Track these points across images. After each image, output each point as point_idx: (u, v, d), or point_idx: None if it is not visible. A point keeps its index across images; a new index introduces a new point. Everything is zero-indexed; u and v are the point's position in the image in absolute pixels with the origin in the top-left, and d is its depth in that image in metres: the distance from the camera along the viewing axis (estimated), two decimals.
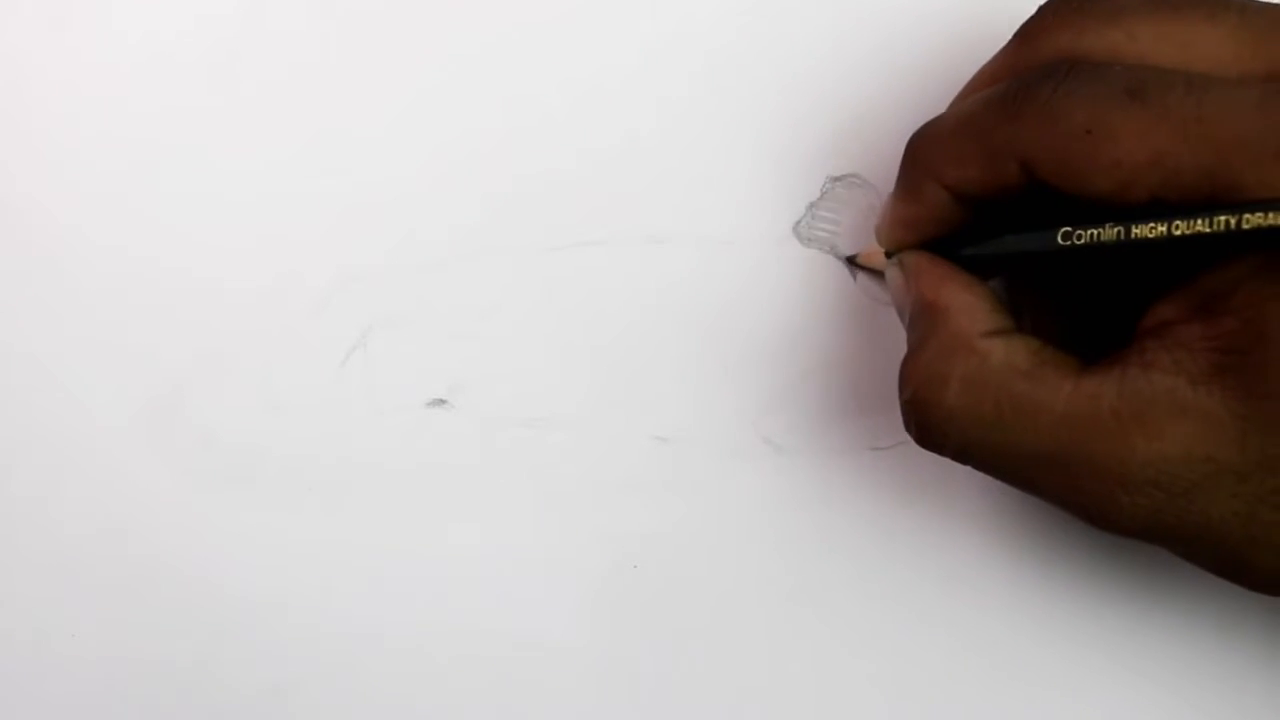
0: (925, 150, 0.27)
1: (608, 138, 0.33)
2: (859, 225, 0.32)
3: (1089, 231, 0.25)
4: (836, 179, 0.33)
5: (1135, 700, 0.32)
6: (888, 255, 0.29)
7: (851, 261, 0.32)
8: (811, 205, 0.33)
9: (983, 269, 0.28)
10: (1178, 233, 0.24)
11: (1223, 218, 0.24)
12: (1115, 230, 0.25)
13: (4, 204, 0.34)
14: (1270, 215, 0.23)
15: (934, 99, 0.32)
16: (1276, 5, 0.26)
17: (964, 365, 0.26)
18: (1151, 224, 0.24)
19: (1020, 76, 0.26)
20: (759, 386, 0.33)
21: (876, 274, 0.32)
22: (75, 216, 0.34)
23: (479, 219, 0.33)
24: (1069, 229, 0.26)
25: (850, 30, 0.32)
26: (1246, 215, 0.23)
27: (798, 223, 0.33)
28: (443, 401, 0.33)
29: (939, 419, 0.26)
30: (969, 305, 0.27)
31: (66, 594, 0.34)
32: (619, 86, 0.33)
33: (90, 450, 0.34)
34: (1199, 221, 0.24)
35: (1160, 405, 0.24)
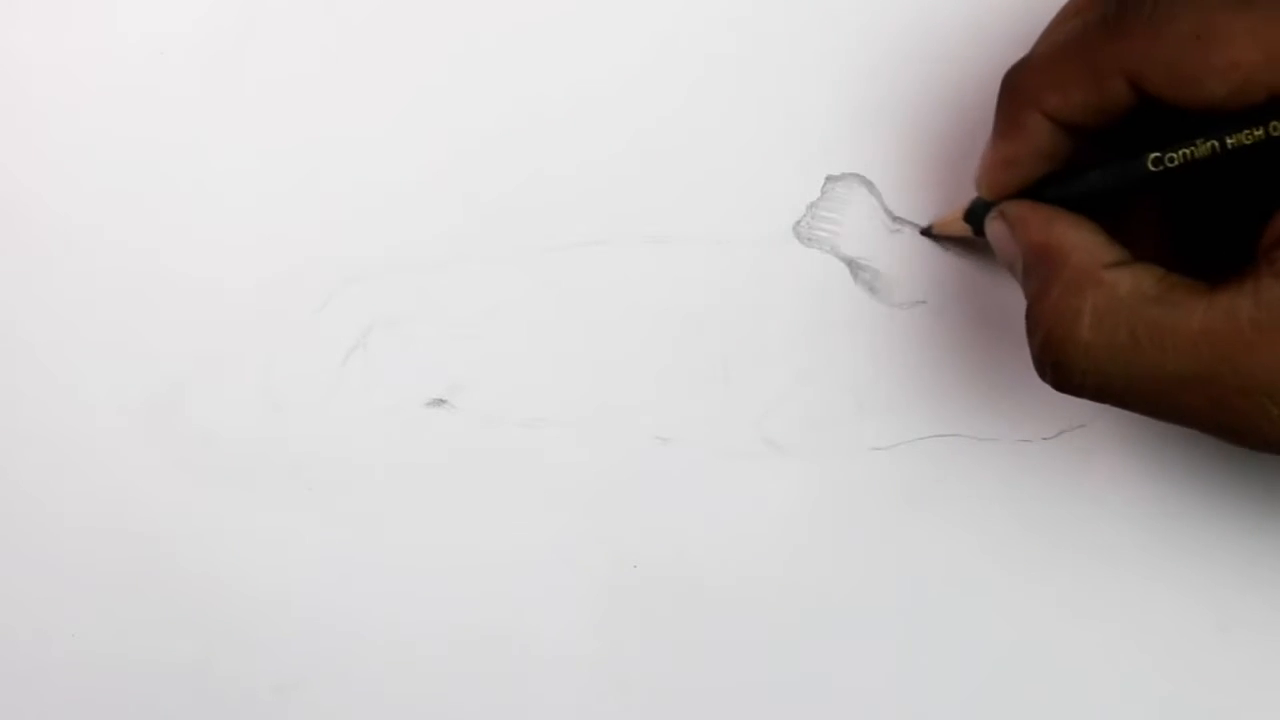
0: (1025, 80, 0.27)
1: (608, 138, 0.33)
2: (859, 225, 0.32)
3: (1180, 151, 0.25)
4: (836, 179, 0.33)
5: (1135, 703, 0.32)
6: (987, 205, 0.29)
7: (926, 233, 0.32)
8: (811, 205, 0.33)
9: (1076, 211, 0.27)
10: (1277, 133, 0.23)
11: None
12: (1209, 144, 0.24)
13: (5, 203, 0.34)
14: None
15: (934, 99, 0.32)
16: None
17: (1093, 298, 0.26)
18: (1247, 130, 0.24)
19: None
20: (759, 386, 0.33)
21: (954, 241, 0.32)
22: (75, 216, 0.34)
23: (479, 219, 0.33)
24: (1158, 154, 0.25)
25: (850, 30, 0.32)
26: None
27: (798, 223, 0.33)
28: (443, 401, 0.33)
29: (1075, 355, 0.26)
30: (1084, 241, 0.26)
31: (67, 593, 0.34)
32: (619, 87, 0.33)
33: (90, 449, 0.34)
34: None
35: None
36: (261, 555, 0.33)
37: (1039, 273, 0.27)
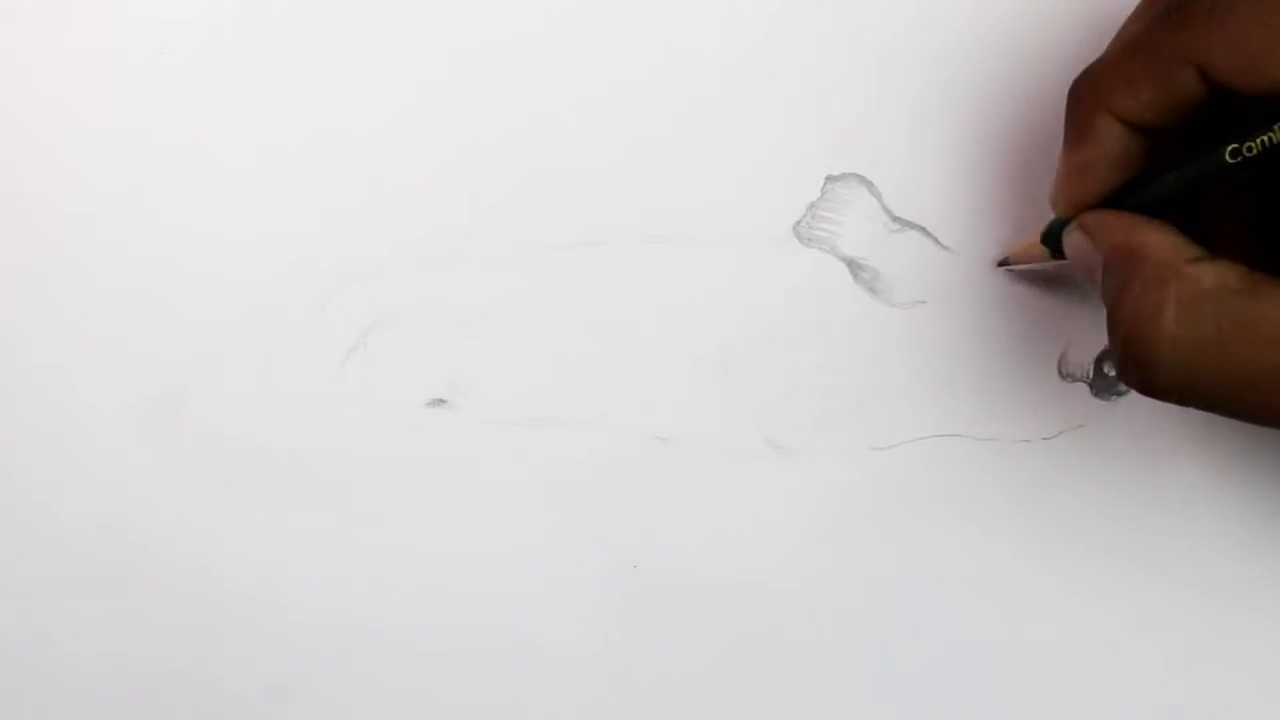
0: (1092, 84, 0.27)
1: (608, 138, 0.33)
2: (859, 225, 0.32)
3: (1258, 139, 0.25)
4: (836, 179, 0.33)
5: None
6: (1064, 224, 0.29)
7: (1005, 264, 0.32)
8: (811, 205, 0.33)
9: (1156, 216, 0.27)
10: None
11: None
12: None
13: (5, 202, 0.34)
14: None
15: (934, 99, 0.32)
16: None
17: (1177, 290, 0.25)
18: None
19: None
20: (759, 386, 0.33)
21: (1028, 271, 0.31)
22: (75, 215, 0.34)
23: (479, 219, 0.33)
24: (1235, 145, 0.25)
25: (850, 30, 0.32)
26: None
27: (798, 223, 0.33)
28: (443, 401, 0.33)
29: (1160, 350, 0.25)
30: (1165, 240, 0.26)
31: (66, 592, 0.34)
32: (620, 87, 0.33)
33: (90, 449, 0.34)
34: None
35: None
36: (260, 555, 0.33)
37: (1119, 272, 0.26)
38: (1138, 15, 0.27)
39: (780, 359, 0.33)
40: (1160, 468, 0.32)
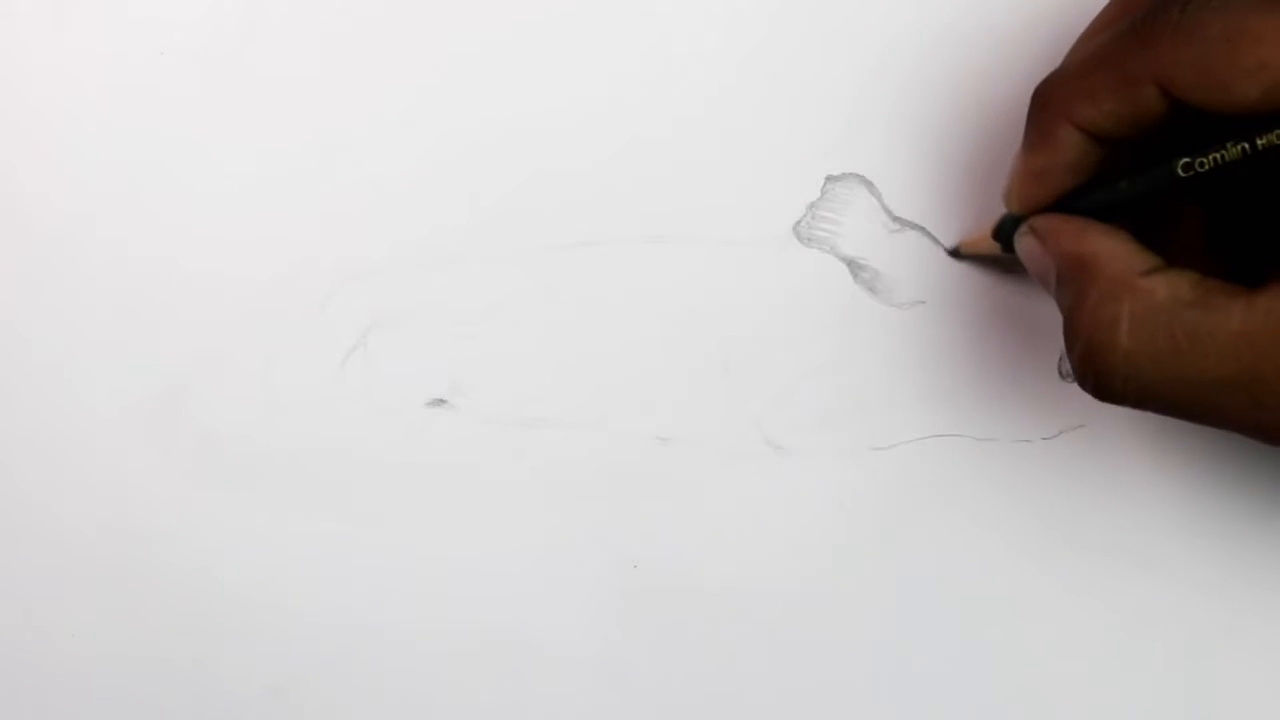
0: (1055, 92, 0.27)
1: (608, 138, 0.33)
2: (859, 225, 0.32)
3: (1211, 156, 0.25)
4: (836, 179, 0.33)
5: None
6: (1016, 221, 0.29)
7: (955, 253, 0.32)
8: (811, 205, 0.33)
9: (1106, 221, 0.27)
10: None
11: None
12: (1240, 147, 0.24)
13: (5, 202, 0.34)
14: None
15: (934, 99, 0.32)
16: None
17: (1130, 304, 0.26)
18: (1278, 131, 0.24)
19: (1147, 7, 0.25)
20: (759, 386, 0.33)
21: (982, 260, 0.32)
22: (75, 215, 0.34)
23: (479, 219, 0.33)
24: (1188, 159, 0.25)
25: (850, 30, 0.32)
26: None
27: (798, 223, 0.33)
28: (443, 401, 0.33)
29: (1116, 362, 0.26)
30: (1117, 250, 0.27)
31: (66, 592, 0.34)
32: (619, 87, 0.33)
33: (90, 449, 0.34)
34: None
35: None
36: (260, 555, 0.33)
37: (1074, 283, 0.27)
38: (1102, 25, 0.27)
39: (780, 359, 0.33)
40: (1160, 468, 0.32)
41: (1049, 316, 0.32)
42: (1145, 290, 0.26)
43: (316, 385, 0.33)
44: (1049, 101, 0.27)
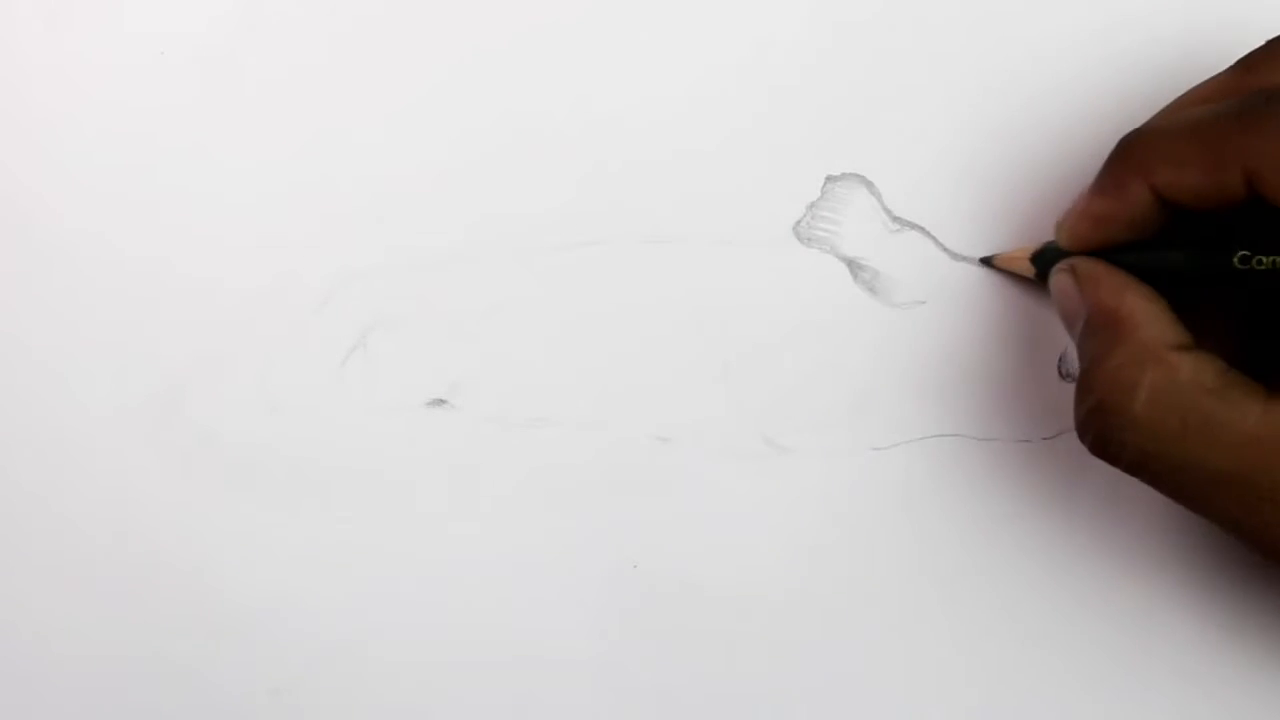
0: (1143, 148, 0.27)
1: (608, 138, 0.33)
2: (859, 225, 0.32)
3: (1272, 259, 0.25)
4: (836, 179, 0.33)
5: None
6: (1059, 254, 0.29)
7: (986, 262, 0.32)
8: (811, 205, 0.33)
9: (1147, 281, 0.27)
10: None
11: None
12: None
13: (5, 203, 0.34)
14: None
15: (934, 99, 0.32)
16: None
17: (1153, 376, 0.26)
18: None
19: (1256, 93, 0.25)
20: (759, 386, 0.33)
21: (1008, 275, 0.32)
22: (75, 216, 0.34)
23: (479, 219, 0.33)
24: (1247, 253, 0.25)
25: (850, 30, 0.32)
26: None
27: (798, 223, 0.33)
28: (443, 401, 0.33)
29: (1123, 427, 0.26)
30: (1154, 316, 0.27)
31: (65, 592, 0.34)
32: (619, 88, 0.33)
33: (90, 450, 0.34)
34: None
35: None
36: (260, 556, 0.33)
37: (1102, 337, 0.27)
38: (1203, 96, 0.27)
39: (780, 359, 0.33)
40: None
41: (1049, 317, 0.32)
42: (1171, 365, 0.26)
43: (316, 386, 0.33)
44: (1133, 154, 0.27)
